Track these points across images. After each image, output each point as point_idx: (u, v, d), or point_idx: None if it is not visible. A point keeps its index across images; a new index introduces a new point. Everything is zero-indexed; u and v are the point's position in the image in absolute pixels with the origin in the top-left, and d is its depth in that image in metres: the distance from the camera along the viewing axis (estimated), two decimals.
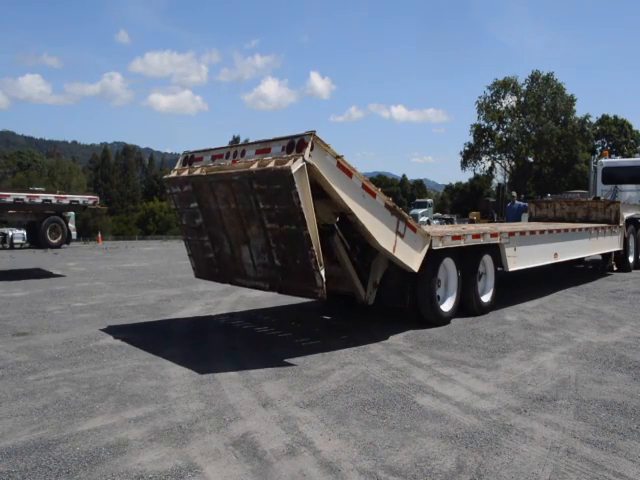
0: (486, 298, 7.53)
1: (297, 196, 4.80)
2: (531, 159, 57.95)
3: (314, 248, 4.90)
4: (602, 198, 14.03)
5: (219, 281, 6.62)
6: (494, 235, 7.36)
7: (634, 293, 9.35)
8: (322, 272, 4.94)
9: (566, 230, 9.52)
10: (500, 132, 57.96)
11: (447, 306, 6.87)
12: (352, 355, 5.43)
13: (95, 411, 3.96)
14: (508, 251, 7.64)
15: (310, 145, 4.89)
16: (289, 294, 5.86)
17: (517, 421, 3.76)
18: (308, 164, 4.88)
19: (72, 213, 22.77)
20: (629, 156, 46.59)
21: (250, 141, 6.01)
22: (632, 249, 12.57)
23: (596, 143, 56.87)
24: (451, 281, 6.95)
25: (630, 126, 58.43)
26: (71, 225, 23.02)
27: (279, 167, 4.88)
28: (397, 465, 3.14)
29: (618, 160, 21.49)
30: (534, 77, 55.91)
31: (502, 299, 8.18)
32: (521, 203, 14.08)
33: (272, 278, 5.57)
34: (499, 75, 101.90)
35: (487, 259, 7.54)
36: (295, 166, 4.77)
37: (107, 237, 46.69)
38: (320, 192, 5.38)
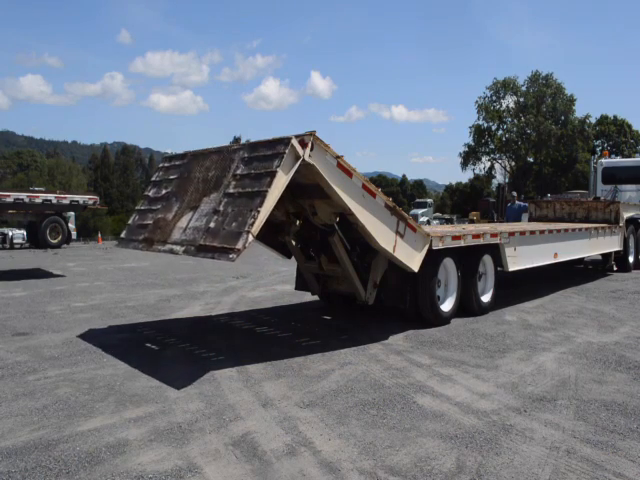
0: (486, 298, 7.53)
1: (281, 159, 4.71)
2: (531, 159, 57.99)
3: (261, 210, 4.65)
4: (602, 198, 14.04)
5: (138, 248, 6.32)
6: (494, 235, 7.36)
7: (634, 293, 9.35)
8: (250, 238, 4.64)
9: (566, 230, 9.52)
10: (500, 132, 58.03)
11: (447, 306, 6.87)
12: (352, 355, 5.43)
13: (95, 411, 3.97)
14: (508, 251, 7.65)
15: (310, 145, 4.90)
16: (201, 255, 5.29)
17: (517, 421, 3.76)
18: (307, 164, 4.89)
19: (72, 213, 22.80)
20: (629, 156, 46.61)
21: (251, 141, 6.00)
22: (632, 249, 12.57)
23: (596, 143, 56.84)
24: (451, 281, 6.96)
25: (629, 126, 58.42)
26: (71, 225, 23.04)
27: (281, 136, 4.91)
28: (397, 465, 3.14)
29: (618, 160, 21.49)
30: (533, 77, 55.94)
31: (502, 299, 8.18)
32: (521, 203, 14.07)
33: (192, 241, 5.24)
34: (499, 75, 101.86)
35: (487, 259, 7.54)
36: (296, 142, 4.78)
37: (107, 237, 46.63)
38: (320, 192, 5.39)
